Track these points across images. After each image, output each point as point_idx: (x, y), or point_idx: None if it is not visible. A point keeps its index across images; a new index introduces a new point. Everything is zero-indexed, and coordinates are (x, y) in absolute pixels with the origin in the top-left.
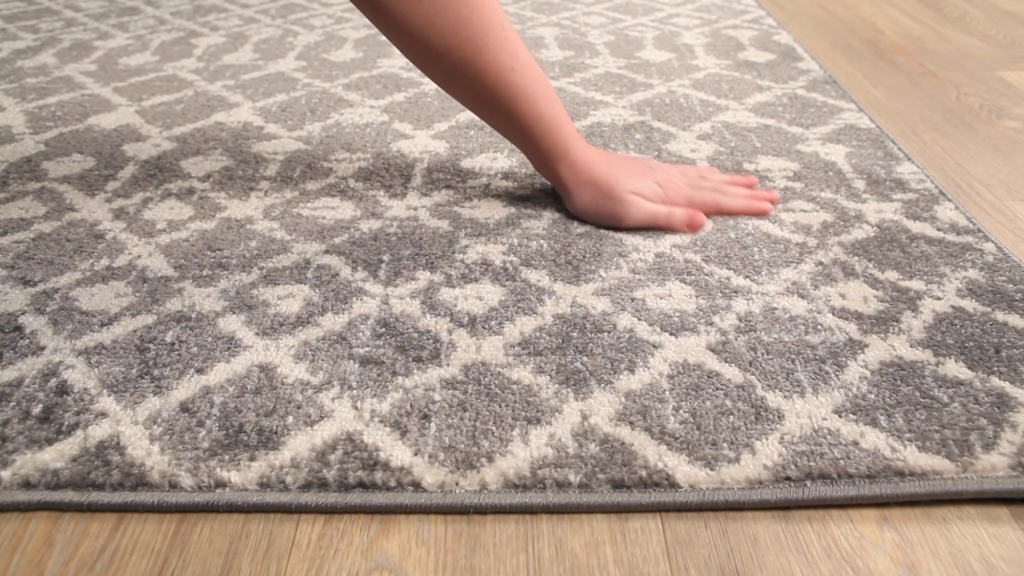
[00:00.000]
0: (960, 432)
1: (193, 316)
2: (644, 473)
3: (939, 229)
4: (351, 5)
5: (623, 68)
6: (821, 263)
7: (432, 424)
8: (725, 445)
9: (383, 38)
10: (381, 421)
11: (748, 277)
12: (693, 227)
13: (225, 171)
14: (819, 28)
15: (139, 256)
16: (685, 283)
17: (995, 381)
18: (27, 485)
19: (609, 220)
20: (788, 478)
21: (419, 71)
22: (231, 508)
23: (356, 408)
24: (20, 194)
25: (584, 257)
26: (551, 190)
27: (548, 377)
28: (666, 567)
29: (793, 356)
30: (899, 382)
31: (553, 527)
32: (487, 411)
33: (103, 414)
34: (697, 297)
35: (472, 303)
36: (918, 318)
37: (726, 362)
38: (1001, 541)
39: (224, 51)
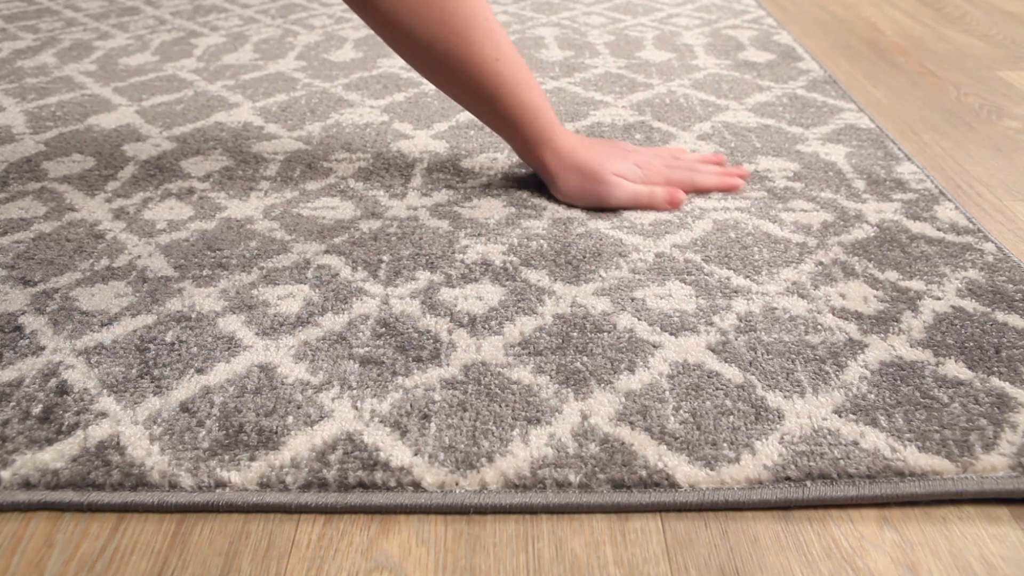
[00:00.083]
0: (960, 432)
1: (193, 316)
2: (644, 473)
3: (939, 229)
4: None
5: (623, 68)
6: (821, 263)
7: (432, 424)
8: (725, 445)
9: None
10: (381, 421)
11: (748, 277)
12: (674, 204)
13: (225, 171)
14: (819, 28)
15: (139, 256)
16: (685, 283)
17: (995, 381)
18: (27, 485)
19: (595, 202)
20: (788, 478)
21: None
22: (231, 508)
23: (356, 408)
24: (20, 194)
25: (584, 257)
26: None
27: (548, 377)
28: (666, 567)
29: (793, 356)
30: (899, 382)
31: (553, 527)
32: (487, 411)
33: (103, 414)
34: (697, 297)
35: (472, 303)
36: (918, 318)
37: (726, 362)
38: (1001, 541)
39: (224, 51)
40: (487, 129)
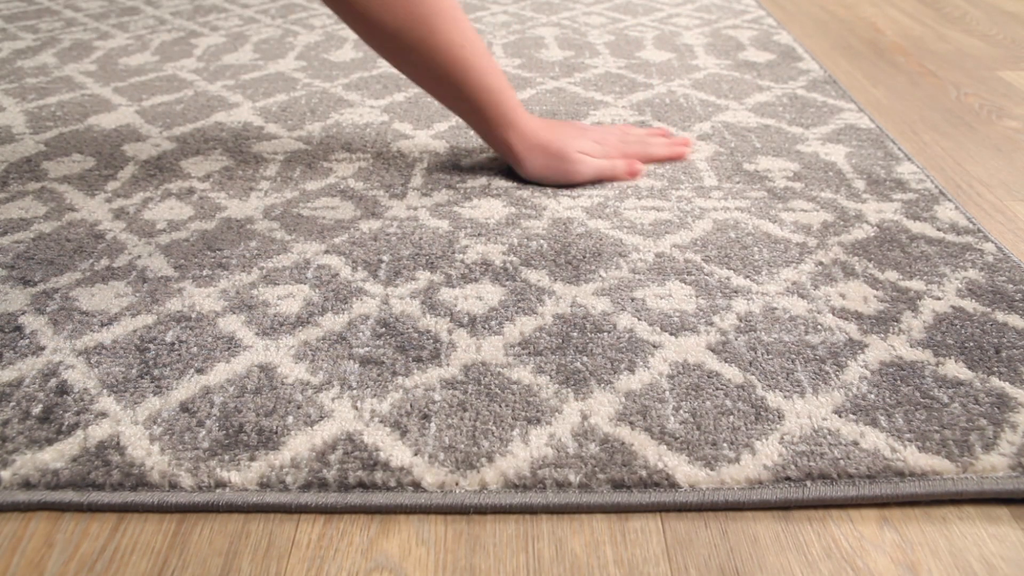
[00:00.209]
0: (960, 432)
1: (193, 316)
2: (644, 473)
3: (939, 229)
4: None
5: (623, 68)
6: (821, 263)
7: (432, 424)
8: (725, 445)
9: None
10: (381, 421)
11: (748, 277)
12: (633, 174)
13: (225, 171)
14: (819, 28)
15: (139, 256)
16: (685, 283)
17: (995, 381)
18: (27, 485)
19: (561, 179)
20: (788, 478)
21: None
22: (231, 508)
23: (356, 408)
24: (20, 194)
25: (584, 257)
26: (550, 189)
27: (548, 377)
28: (666, 567)
29: (793, 356)
30: (899, 382)
31: (553, 527)
32: (487, 411)
33: (103, 414)
34: (697, 297)
35: (472, 303)
36: (918, 318)
37: (726, 362)
38: (1001, 541)
39: (224, 51)
40: None
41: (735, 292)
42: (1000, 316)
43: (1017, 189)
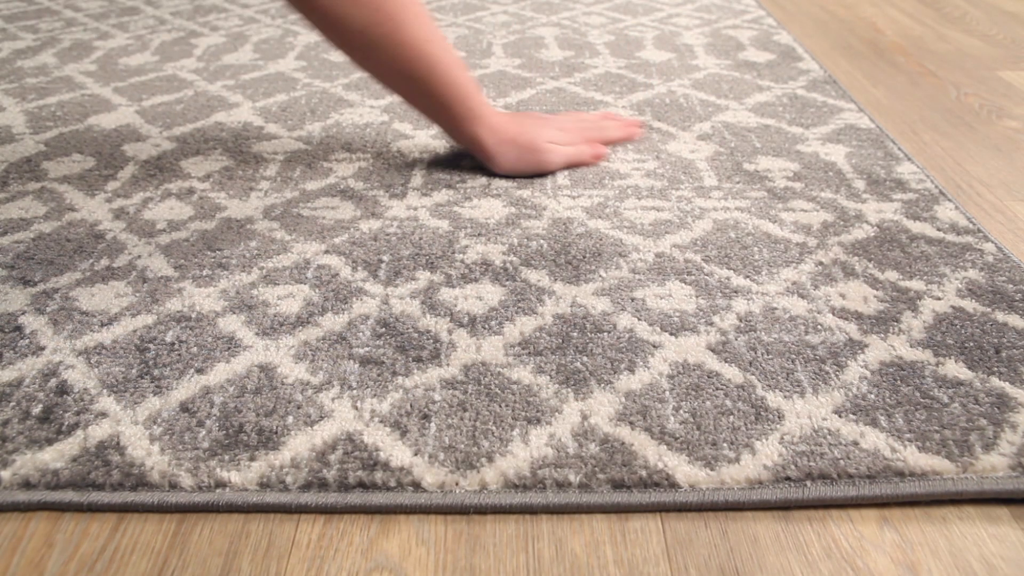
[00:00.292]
0: (960, 432)
1: (193, 316)
2: (644, 473)
3: (939, 229)
4: None
5: (623, 68)
6: (821, 263)
7: (432, 424)
8: (725, 445)
9: None
10: (381, 421)
11: (748, 277)
12: (598, 157)
13: (225, 171)
14: (819, 28)
15: (139, 256)
16: (685, 283)
17: (995, 381)
18: (27, 485)
19: (533, 170)
20: (788, 478)
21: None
22: (231, 508)
23: (356, 408)
24: (20, 194)
25: (584, 257)
26: (550, 189)
27: (548, 377)
28: (666, 567)
29: (793, 356)
30: (899, 382)
31: (553, 527)
32: (487, 411)
33: (103, 414)
34: (697, 297)
35: (472, 303)
36: (918, 318)
37: (726, 362)
38: (1001, 541)
39: (224, 51)
40: None
41: (735, 292)
42: (1000, 316)
43: (1017, 189)
